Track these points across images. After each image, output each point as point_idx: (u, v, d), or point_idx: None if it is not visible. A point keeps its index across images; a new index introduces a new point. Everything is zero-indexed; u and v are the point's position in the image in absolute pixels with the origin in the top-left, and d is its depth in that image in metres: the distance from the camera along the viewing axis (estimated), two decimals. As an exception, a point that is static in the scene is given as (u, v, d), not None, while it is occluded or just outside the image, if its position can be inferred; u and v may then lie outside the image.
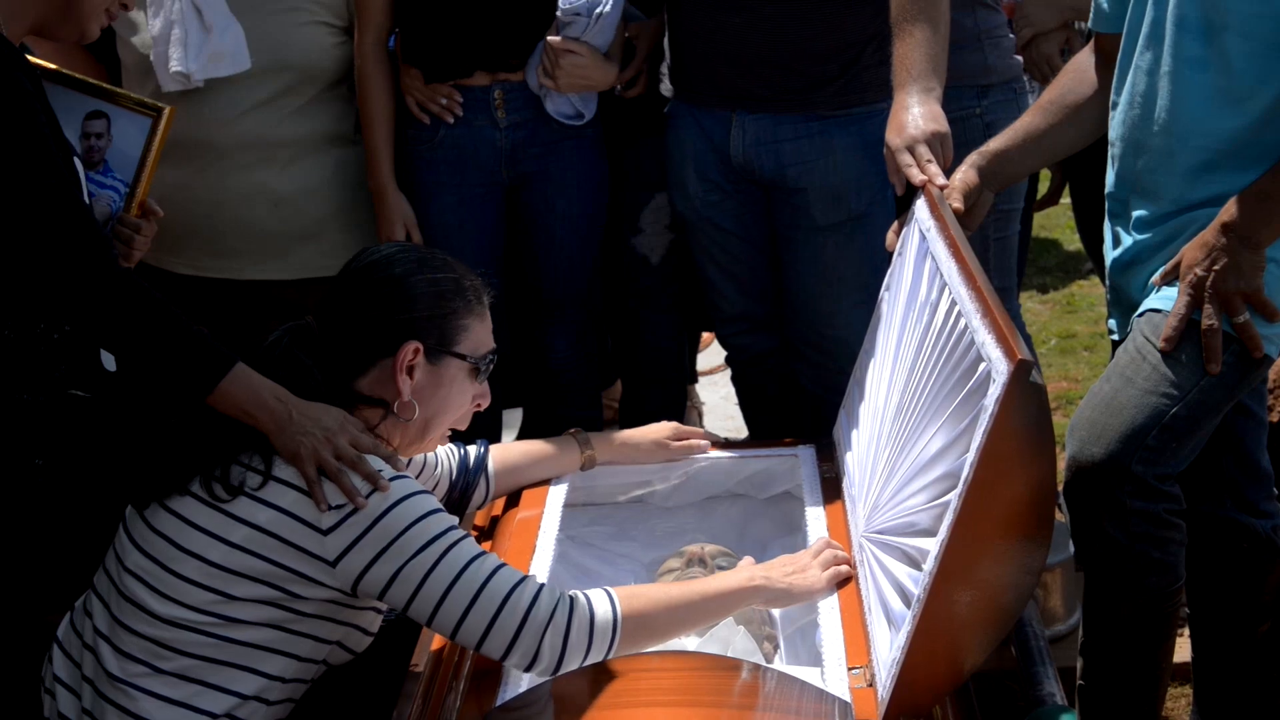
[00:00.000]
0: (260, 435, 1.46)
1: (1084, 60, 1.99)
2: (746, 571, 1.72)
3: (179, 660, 1.47)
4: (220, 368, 1.46)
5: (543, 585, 1.53)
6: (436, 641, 1.68)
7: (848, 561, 1.80)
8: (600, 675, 1.59)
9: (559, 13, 2.21)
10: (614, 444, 2.18)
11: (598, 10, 2.24)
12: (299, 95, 2.25)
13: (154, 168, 1.93)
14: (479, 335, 1.65)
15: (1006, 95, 2.45)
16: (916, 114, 1.92)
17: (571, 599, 1.52)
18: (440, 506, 1.53)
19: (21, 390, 1.64)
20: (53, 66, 1.92)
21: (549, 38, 2.23)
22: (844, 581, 1.80)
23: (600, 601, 1.53)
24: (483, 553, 1.54)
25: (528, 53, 2.27)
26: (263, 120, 2.21)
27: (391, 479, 1.46)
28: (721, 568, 1.90)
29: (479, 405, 1.71)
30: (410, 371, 1.55)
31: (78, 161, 1.74)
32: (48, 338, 1.64)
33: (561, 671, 1.54)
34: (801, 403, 2.49)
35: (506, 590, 1.46)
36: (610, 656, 1.55)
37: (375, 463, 1.47)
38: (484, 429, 2.04)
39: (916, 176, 1.85)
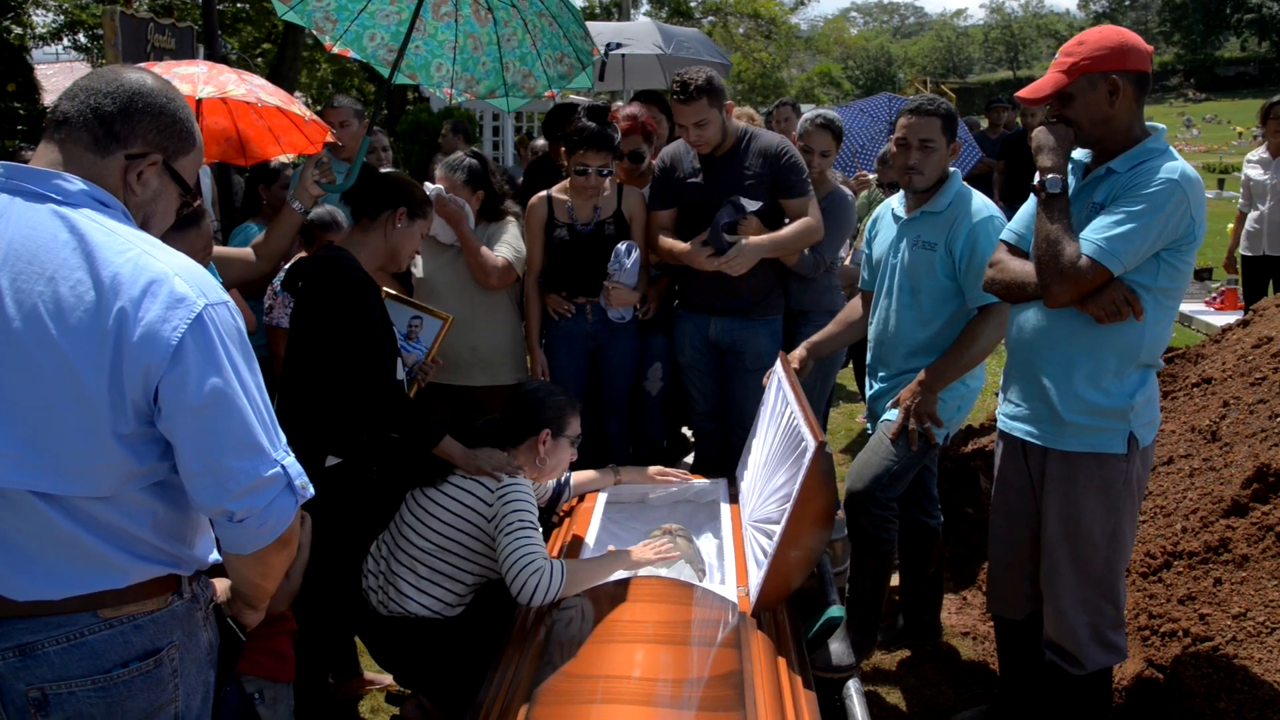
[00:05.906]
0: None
1: (856, 302, 3.14)
2: (617, 554, 2.53)
3: (421, 567, 2.53)
4: (438, 437, 2.57)
5: (541, 566, 2.24)
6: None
7: (666, 551, 2.58)
8: (612, 585, 2.29)
9: (609, 269, 3.52)
10: (631, 473, 3.19)
11: (625, 268, 3.47)
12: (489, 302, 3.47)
13: (441, 341, 3.08)
14: (574, 426, 2.71)
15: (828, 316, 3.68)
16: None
17: (545, 569, 2.23)
18: (531, 506, 2.42)
19: (370, 440, 2.66)
20: (398, 293, 3.07)
21: (606, 282, 3.53)
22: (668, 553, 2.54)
23: (556, 573, 2.27)
24: (531, 534, 2.32)
25: (598, 288, 3.56)
26: (476, 315, 3.47)
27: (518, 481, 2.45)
28: (681, 537, 2.76)
29: (572, 458, 2.76)
30: (543, 445, 2.64)
31: (401, 336, 2.79)
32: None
33: (533, 605, 2.23)
34: (725, 454, 3.63)
35: (523, 559, 2.28)
36: (559, 598, 2.25)
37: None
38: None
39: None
